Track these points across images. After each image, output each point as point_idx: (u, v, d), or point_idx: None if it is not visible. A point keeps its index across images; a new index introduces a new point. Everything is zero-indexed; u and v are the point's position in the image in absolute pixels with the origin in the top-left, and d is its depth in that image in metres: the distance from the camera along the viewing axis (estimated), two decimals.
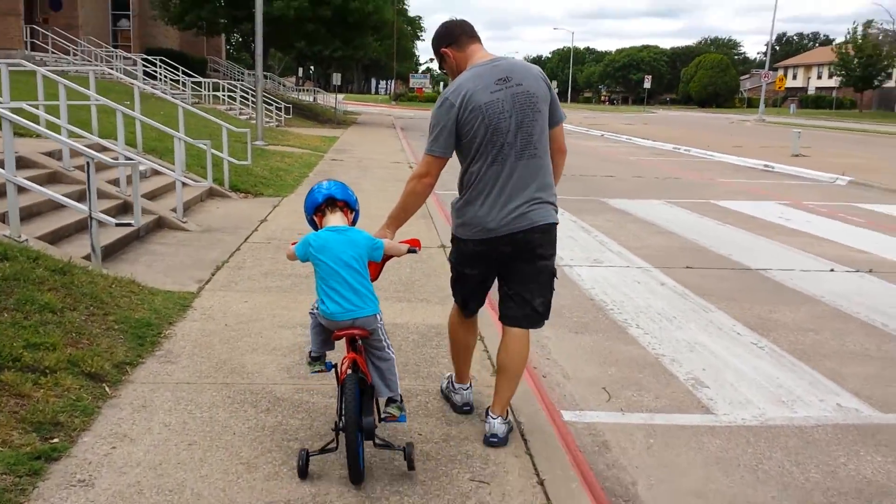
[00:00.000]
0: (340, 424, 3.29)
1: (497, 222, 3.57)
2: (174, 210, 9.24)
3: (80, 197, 8.54)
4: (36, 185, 6.72)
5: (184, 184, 9.13)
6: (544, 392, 4.70)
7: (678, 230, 10.63)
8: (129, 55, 30.05)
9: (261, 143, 19.56)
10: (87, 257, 6.63)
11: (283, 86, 59.19)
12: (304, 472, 3.36)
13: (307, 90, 64.84)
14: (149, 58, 29.62)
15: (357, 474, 3.29)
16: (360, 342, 3.43)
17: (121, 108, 9.34)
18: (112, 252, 7.41)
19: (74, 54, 27.81)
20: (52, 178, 8.70)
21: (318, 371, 3.67)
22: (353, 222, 3.60)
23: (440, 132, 3.58)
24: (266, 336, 5.29)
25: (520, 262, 3.67)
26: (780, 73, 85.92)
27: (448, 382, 4.27)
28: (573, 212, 11.80)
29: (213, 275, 6.93)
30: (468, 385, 4.15)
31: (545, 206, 3.64)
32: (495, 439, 3.74)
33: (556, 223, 3.70)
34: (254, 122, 20.91)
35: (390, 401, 3.48)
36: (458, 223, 3.74)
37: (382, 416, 3.49)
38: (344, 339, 3.41)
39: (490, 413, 3.81)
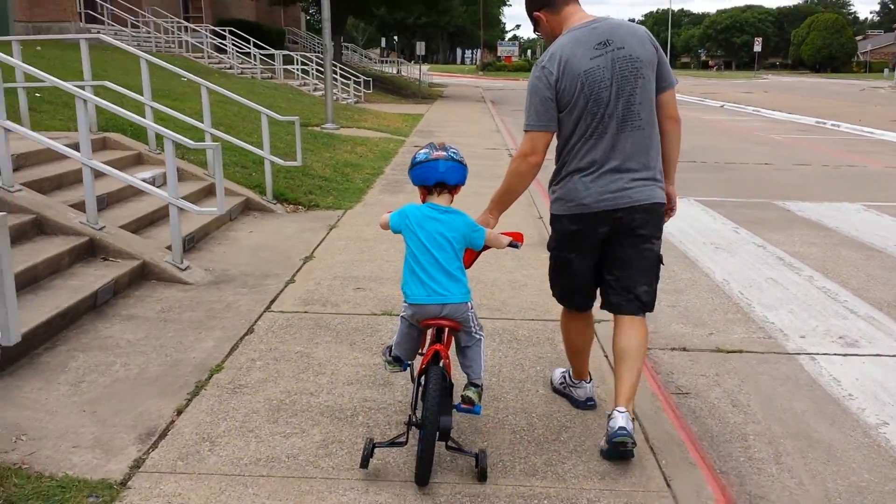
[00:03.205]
0: (414, 419, 3.02)
1: (594, 198, 3.20)
2: (171, 248, 6.12)
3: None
4: None
5: (180, 209, 5.97)
6: None
7: None
8: (196, 27, 27.43)
9: (330, 127, 16.46)
10: None
11: (368, 58, 56.48)
12: (366, 462, 3.05)
13: (391, 62, 61.94)
14: (217, 29, 26.98)
15: (426, 475, 2.97)
16: (446, 333, 3.13)
17: (82, 93, 6.21)
18: (33, 346, 4.33)
19: (135, 26, 25.23)
20: None
21: (395, 371, 3.36)
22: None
23: (539, 104, 3.19)
24: None
25: (619, 244, 3.30)
26: None
27: (563, 377, 3.83)
28: (747, 225, 8.17)
29: (179, 413, 3.72)
30: (589, 379, 3.75)
31: (650, 185, 3.25)
32: (623, 432, 3.12)
33: (663, 203, 3.32)
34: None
35: (470, 384, 3.14)
36: (553, 198, 3.37)
37: (458, 402, 3.12)
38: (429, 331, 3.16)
39: (616, 407, 3.24)
